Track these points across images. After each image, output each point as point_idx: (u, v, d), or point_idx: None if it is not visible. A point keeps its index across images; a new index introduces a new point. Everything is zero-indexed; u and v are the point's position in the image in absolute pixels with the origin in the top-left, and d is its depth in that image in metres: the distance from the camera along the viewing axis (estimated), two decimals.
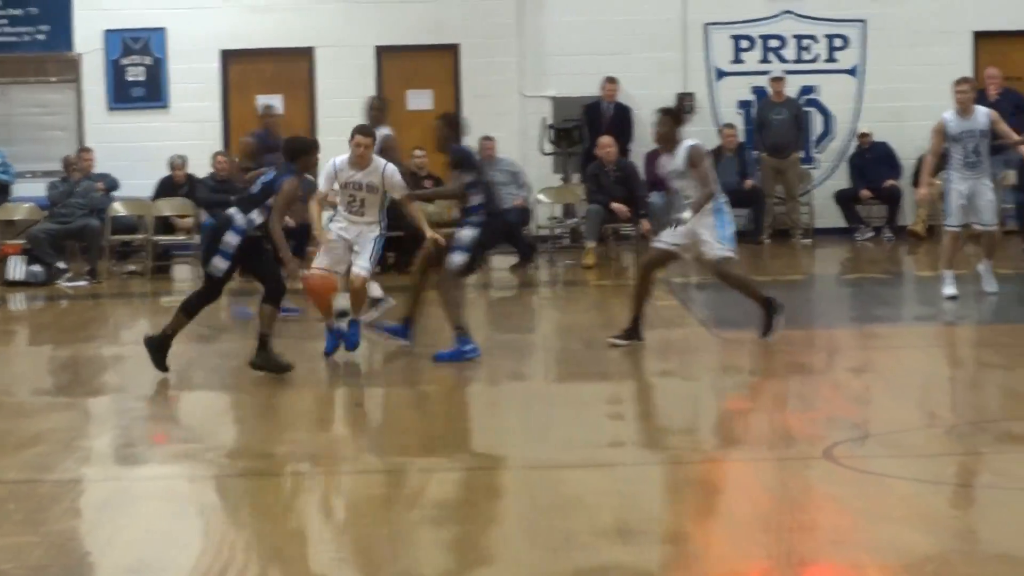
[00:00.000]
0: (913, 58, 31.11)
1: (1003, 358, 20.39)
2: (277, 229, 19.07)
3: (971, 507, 13.88)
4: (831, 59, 31.98)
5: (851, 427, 16.84)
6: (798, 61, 32.00)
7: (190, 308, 19.36)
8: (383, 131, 23.64)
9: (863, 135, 32.21)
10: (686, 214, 19.74)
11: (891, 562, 12.05)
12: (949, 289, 23.88)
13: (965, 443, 16.03)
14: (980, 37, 31.64)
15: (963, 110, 23.41)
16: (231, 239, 18.80)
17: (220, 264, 18.89)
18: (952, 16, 31.12)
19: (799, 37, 31.81)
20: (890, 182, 31.41)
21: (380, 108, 24.33)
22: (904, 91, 31.06)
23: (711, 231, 19.54)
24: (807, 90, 31.97)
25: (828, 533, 13.17)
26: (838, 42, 31.93)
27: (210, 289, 19.31)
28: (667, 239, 19.98)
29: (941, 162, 23.91)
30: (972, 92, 23.76)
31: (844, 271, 30.10)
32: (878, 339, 22.40)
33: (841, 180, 32.65)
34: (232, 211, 19.06)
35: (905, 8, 31.06)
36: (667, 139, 20.27)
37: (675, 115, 20.69)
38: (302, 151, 19.72)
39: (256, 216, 18.92)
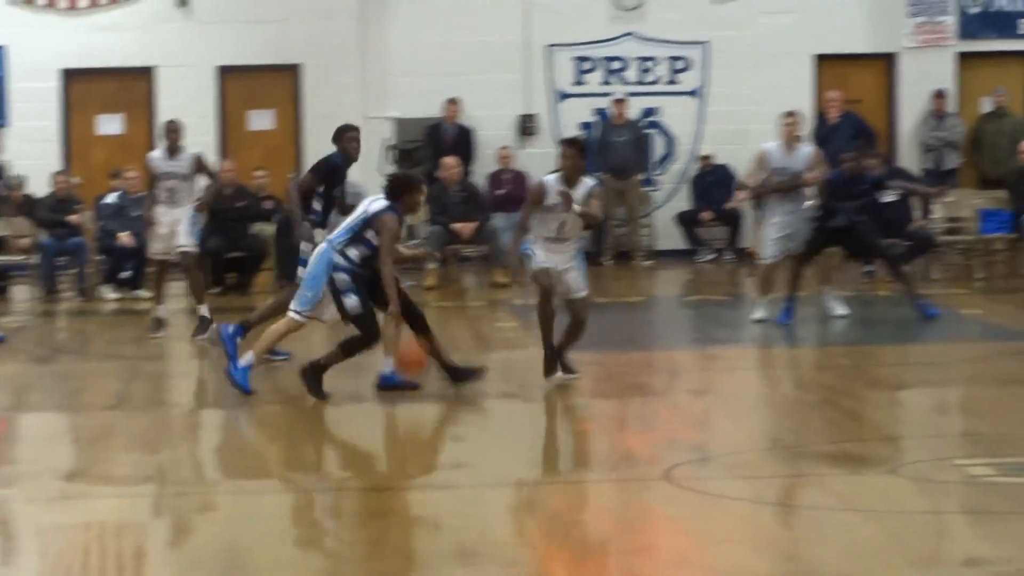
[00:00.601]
0: (755, 80, 31.34)
1: (841, 379, 20.60)
2: (389, 273, 18.32)
3: (806, 528, 14.03)
4: (673, 81, 32.17)
5: (690, 449, 16.99)
6: (640, 83, 32.16)
7: (348, 349, 18.79)
8: (191, 152, 23.93)
9: (704, 157, 32.43)
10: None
11: None
12: (759, 313, 24.23)
13: (801, 464, 16.23)
14: (821, 60, 31.91)
15: (787, 143, 23.61)
16: (343, 278, 18.27)
17: (353, 303, 18.30)
18: (793, 39, 31.39)
19: (641, 59, 31.98)
20: (731, 204, 31.62)
21: (176, 131, 24.13)
22: (745, 113, 31.26)
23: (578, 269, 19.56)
24: (649, 112, 32.17)
25: (668, 555, 13.32)
26: (680, 64, 32.14)
27: (366, 331, 18.55)
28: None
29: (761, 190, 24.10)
30: (797, 126, 23.87)
31: (685, 293, 30.27)
32: (718, 361, 22.57)
33: (682, 202, 32.83)
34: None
35: (747, 31, 31.29)
36: (578, 171, 19.37)
37: (581, 146, 19.92)
38: (406, 189, 18.78)
39: (354, 251, 18.31)
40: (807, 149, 23.46)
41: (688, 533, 13.86)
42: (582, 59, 32.09)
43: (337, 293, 18.35)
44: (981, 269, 28.96)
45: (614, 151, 31.42)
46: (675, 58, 32.16)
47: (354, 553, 13.12)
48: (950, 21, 31.06)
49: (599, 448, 17.48)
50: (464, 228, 29.26)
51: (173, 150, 23.76)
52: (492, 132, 31.02)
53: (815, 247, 24.27)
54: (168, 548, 13.31)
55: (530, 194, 19.96)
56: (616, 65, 32.15)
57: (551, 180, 19.34)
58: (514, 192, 29.64)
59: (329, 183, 21.02)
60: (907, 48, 31.43)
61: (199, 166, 24.02)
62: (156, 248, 23.71)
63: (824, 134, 29.77)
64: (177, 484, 15.54)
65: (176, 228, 23.62)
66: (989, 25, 31.18)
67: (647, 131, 32.10)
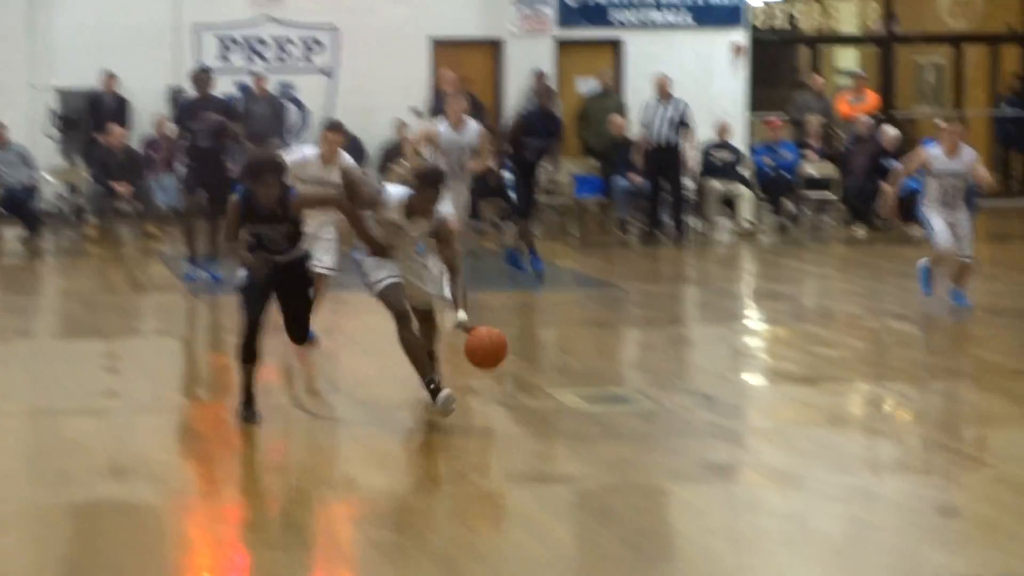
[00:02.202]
0: (379, 61, 31.34)
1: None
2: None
3: (417, 445, 14.25)
4: (307, 60, 32.03)
5: (317, 379, 17.08)
6: (278, 61, 31.97)
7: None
8: None
9: None
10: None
11: (351, 497, 12.37)
12: None
13: (416, 393, 16.35)
14: (437, 43, 31.98)
15: (454, 124, 21.90)
16: None
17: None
18: (412, 24, 31.38)
19: (279, 40, 31.82)
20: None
21: None
22: (371, 90, 31.24)
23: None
24: (286, 87, 31.99)
25: (296, 470, 13.46)
26: (314, 45, 31.99)
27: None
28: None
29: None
30: (461, 106, 22.24)
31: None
32: (347, 305, 22.61)
33: None
34: None
35: (372, 17, 31.28)
36: (336, 154, 17.75)
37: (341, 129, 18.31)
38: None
39: None
40: (474, 127, 22.60)
41: (314, 452, 14.02)
42: (226, 39, 31.91)
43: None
44: (575, 227, 29.27)
45: (254, 120, 31.26)
46: (309, 40, 32.04)
47: (16, 470, 13.06)
48: (550, 11, 31.27)
49: (231, 374, 17.52)
50: (123, 187, 28.95)
51: None
52: (146, 102, 30.73)
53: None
54: None
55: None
56: (257, 45, 31.97)
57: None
58: (166, 156, 29.34)
59: None
60: (512, 35, 31.58)
61: None
62: None
63: (439, 108, 30.01)
64: None
65: None
66: (584, 15, 31.45)
67: (284, 104, 31.96)
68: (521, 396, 16.45)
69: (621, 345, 19.63)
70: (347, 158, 17.96)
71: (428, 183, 14.64)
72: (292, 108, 31.44)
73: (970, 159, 20.29)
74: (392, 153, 30.21)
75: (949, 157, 20.03)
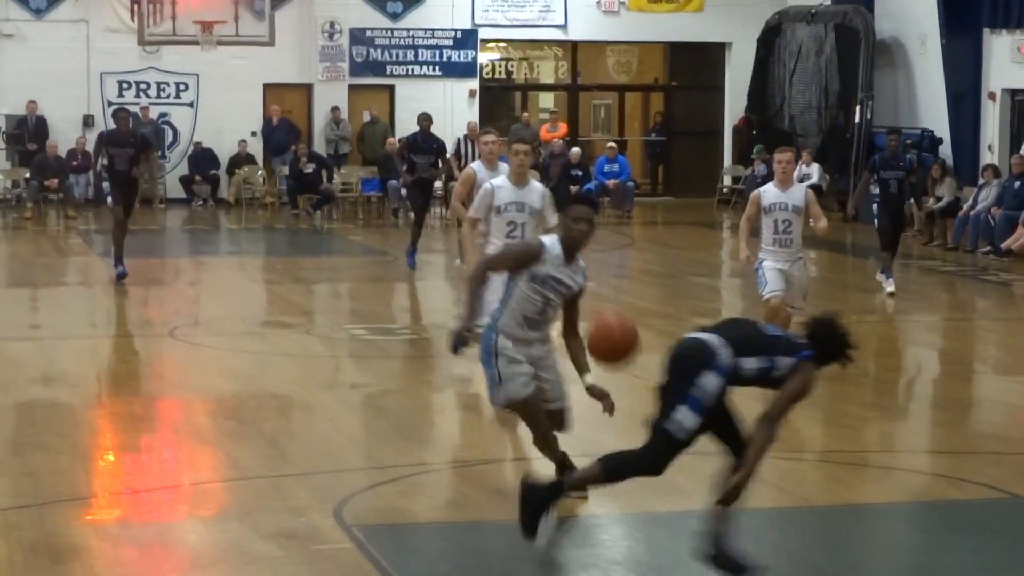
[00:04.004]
0: (228, 97, 30.44)
1: (279, 276, 20.73)
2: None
3: (254, 365, 14.23)
4: (178, 96, 30.95)
5: (187, 317, 16.99)
6: (158, 97, 30.78)
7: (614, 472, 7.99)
8: None
9: None
10: None
11: (208, 399, 12.38)
12: None
13: (252, 326, 16.33)
14: (267, 86, 31.14)
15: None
16: (711, 383, 7.58)
17: (687, 421, 7.61)
18: (250, 72, 30.32)
19: (159, 82, 30.64)
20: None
21: None
22: (222, 118, 30.46)
23: None
24: (163, 115, 30.97)
25: (169, 382, 13.41)
26: (183, 87, 31.06)
27: (668, 448, 7.71)
28: None
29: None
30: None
31: (185, 224, 29.96)
32: (205, 265, 22.45)
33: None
34: (711, 339, 7.72)
35: (222, 67, 29.74)
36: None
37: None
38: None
39: (753, 362, 7.65)
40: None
41: (184, 368, 13.97)
42: (122, 82, 30.77)
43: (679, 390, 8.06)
44: (361, 214, 29.19)
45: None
46: (179, 83, 31.14)
47: None
48: (344, 65, 30.98)
49: (129, 315, 17.38)
50: (52, 183, 28.28)
51: None
52: (67, 125, 29.97)
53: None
54: None
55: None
56: (143, 86, 30.85)
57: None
58: (82, 163, 28.65)
59: None
60: (319, 80, 31.20)
61: None
62: None
63: (268, 129, 29.69)
64: None
65: None
66: (368, 67, 31.16)
67: (161, 127, 31.17)
68: (326, 330, 16.51)
69: (393, 295, 19.69)
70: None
71: (581, 217, 8.49)
72: (167, 130, 30.88)
73: (802, 195, 13.41)
74: (237, 160, 29.95)
75: (782, 189, 13.25)
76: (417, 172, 21.04)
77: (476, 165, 13.08)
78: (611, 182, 29.19)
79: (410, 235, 20.88)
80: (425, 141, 21.46)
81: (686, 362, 7.59)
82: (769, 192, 13.38)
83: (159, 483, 9.89)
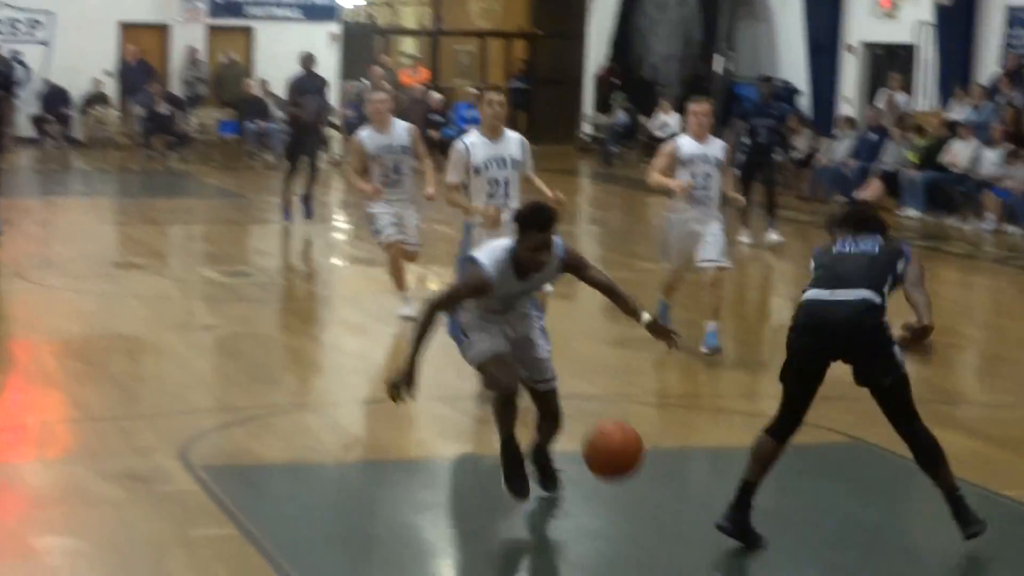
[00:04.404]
0: (82, 36, 29.66)
1: (129, 220, 20.44)
2: None
3: (106, 307, 14.07)
4: (31, 34, 30.36)
5: (35, 257, 16.73)
6: (11, 34, 30.16)
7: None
8: None
9: None
10: None
11: (56, 340, 12.23)
12: None
13: (106, 268, 16.10)
14: (124, 25, 30.67)
15: None
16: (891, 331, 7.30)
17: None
18: (106, 11, 29.77)
19: (11, 19, 29.91)
20: None
21: None
22: (76, 56, 29.71)
23: None
24: (16, 53, 30.31)
25: (16, 322, 13.21)
26: (36, 24, 30.36)
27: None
28: None
29: None
30: None
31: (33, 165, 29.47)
32: (55, 206, 22.12)
33: None
34: (865, 295, 7.24)
35: (77, 4, 29.53)
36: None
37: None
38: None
39: (888, 286, 7.38)
40: None
41: (32, 309, 13.78)
42: None
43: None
44: (218, 156, 28.78)
45: None
46: (32, 20, 30.50)
47: None
48: (203, 5, 30.58)
49: None
50: None
51: None
52: None
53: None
54: None
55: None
56: None
57: None
58: None
59: None
60: (177, 21, 30.76)
61: None
62: None
63: (125, 70, 29.28)
64: None
65: None
66: (227, 9, 30.78)
67: (13, 63, 30.50)
68: (179, 272, 16.35)
69: (247, 237, 19.54)
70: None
71: (533, 224, 7.55)
72: (19, 67, 30.25)
73: (721, 147, 12.20)
74: (91, 99, 29.49)
75: (700, 141, 11.97)
76: (306, 113, 20.17)
77: (365, 133, 12.86)
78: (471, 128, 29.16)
79: (304, 183, 19.58)
80: (311, 81, 21.06)
81: (871, 329, 7.21)
82: (687, 144, 11.97)
83: (3, 424, 9.75)
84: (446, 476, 8.92)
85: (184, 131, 27.99)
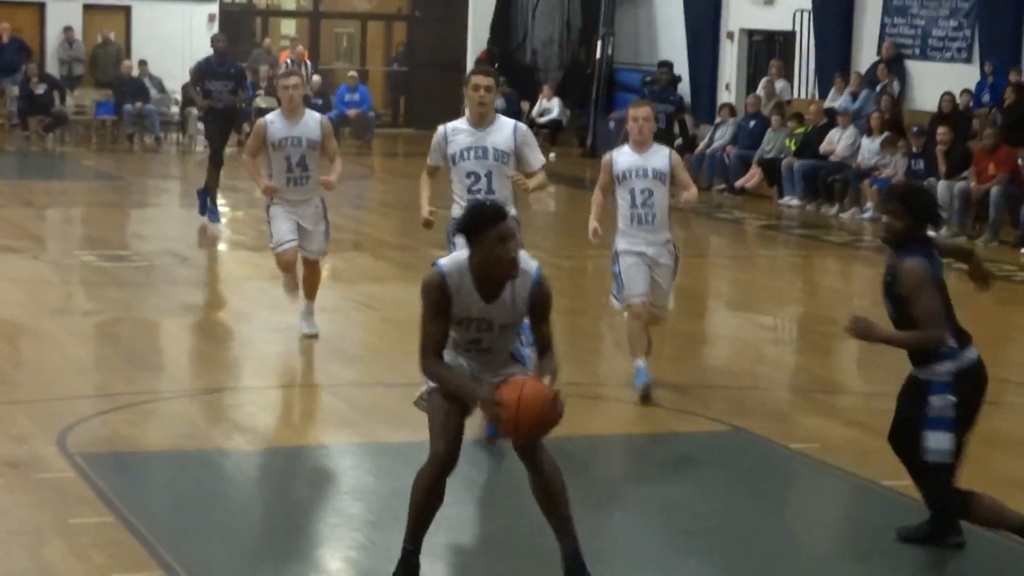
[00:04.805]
0: None
1: (4, 199, 20.18)
2: None
3: None
4: None
5: None
6: None
7: None
8: None
9: None
10: None
11: None
12: None
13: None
14: None
15: None
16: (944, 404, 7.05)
17: (943, 443, 7.03)
18: None
19: None
20: None
21: None
22: None
23: None
24: None
25: None
26: None
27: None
28: None
29: None
30: None
31: None
32: None
33: None
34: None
35: None
36: None
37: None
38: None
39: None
40: None
41: None
42: None
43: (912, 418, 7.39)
44: (95, 138, 28.42)
45: None
46: None
47: None
48: None
49: None
50: None
51: None
52: None
53: None
54: None
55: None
56: None
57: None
58: None
59: None
60: None
61: None
62: None
63: None
64: None
65: None
66: None
67: None
68: (57, 256, 16.16)
69: (126, 220, 19.34)
70: None
71: (481, 223, 6.49)
72: None
73: (666, 158, 10.26)
74: None
75: (638, 152, 10.19)
76: (213, 100, 18.61)
77: (272, 116, 11.56)
78: (352, 111, 29.03)
79: (205, 177, 18.44)
80: (221, 65, 18.85)
81: None
82: (623, 156, 10.18)
83: None
84: (326, 465, 8.91)
85: (61, 112, 27.57)
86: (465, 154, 9.39)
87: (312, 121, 11.45)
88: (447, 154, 9.44)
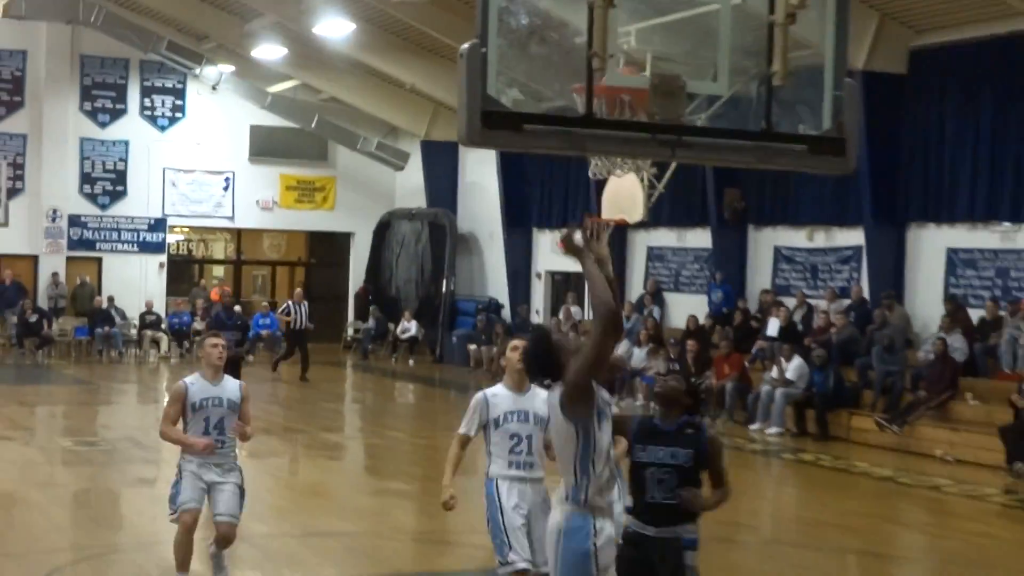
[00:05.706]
0: None
1: (2, 400, 19.46)
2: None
3: None
4: None
5: None
6: None
7: None
8: None
9: None
10: None
11: None
12: None
13: None
14: None
15: None
16: None
17: None
18: None
19: None
20: None
21: None
22: None
23: None
24: None
25: None
26: None
27: None
28: None
29: None
30: None
31: None
32: None
33: None
34: None
35: None
36: None
37: None
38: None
39: None
40: None
41: None
42: None
43: None
44: (74, 353, 27.71)
45: None
46: None
47: None
48: (63, 241, 29.69)
49: None
50: None
51: None
52: None
53: None
54: None
55: None
56: None
57: None
58: None
59: None
60: (43, 252, 29.78)
61: None
62: None
63: None
64: None
65: None
66: (83, 245, 29.94)
67: None
68: (41, 443, 15.55)
69: (95, 414, 18.75)
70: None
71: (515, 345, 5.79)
72: None
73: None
74: None
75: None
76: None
77: (192, 378, 8.01)
78: (265, 332, 28.74)
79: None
80: (229, 318, 17.41)
81: None
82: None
83: None
84: None
85: (48, 335, 26.96)
86: (508, 417, 6.61)
87: (232, 384, 8.05)
88: (488, 419, 6.63)
